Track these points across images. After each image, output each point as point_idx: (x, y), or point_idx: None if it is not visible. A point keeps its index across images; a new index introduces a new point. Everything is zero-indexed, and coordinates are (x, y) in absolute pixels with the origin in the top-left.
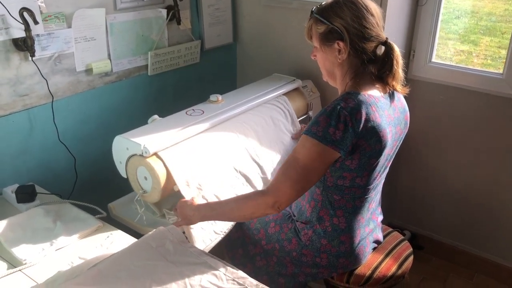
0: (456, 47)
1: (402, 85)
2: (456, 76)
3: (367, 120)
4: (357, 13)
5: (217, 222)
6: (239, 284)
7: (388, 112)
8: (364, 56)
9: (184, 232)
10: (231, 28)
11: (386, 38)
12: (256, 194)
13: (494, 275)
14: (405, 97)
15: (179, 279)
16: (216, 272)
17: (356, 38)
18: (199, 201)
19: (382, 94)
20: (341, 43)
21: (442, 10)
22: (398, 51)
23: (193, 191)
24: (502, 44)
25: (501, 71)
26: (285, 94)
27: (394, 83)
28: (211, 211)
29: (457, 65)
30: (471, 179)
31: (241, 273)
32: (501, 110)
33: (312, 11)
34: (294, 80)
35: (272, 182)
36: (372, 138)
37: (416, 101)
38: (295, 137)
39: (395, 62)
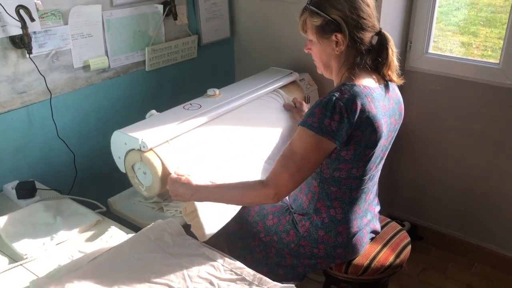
0: (456, 38)
1: (397, 75)
2: (453, 66)
3: (362, 111)
4: (353, 4)
5: (220, 213)
6: (237, 274)
7: (383, 102)
8: (362, 47)
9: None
10: (228, 23)
11: (380, 28)
12: (257, 184)
13: (493, 264)
14: (402, 88)
15: (177, 271)
16: (214, 263)
17: (354, 29)
18: (196, 180)
19: (377, 84)
20: (339, 35)
21: (438, 1)
22: (392, 41)
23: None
24: (502, 35)
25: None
26: (283, 87)
27: (389, 73)
28: (211, 194)
29: (454, 55)
30: (469, 169)
31: (238, 264)
32: (498, 99)
33: (307, 4)
34: (291, 73)
35: (271, 174)
36: (368, 128)
37: (413, 92)
38: (287, 107)
39: (390, 51)
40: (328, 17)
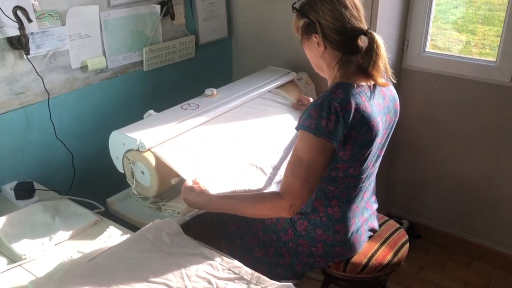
0: (454, 36)
1: (386, 77)
2: (450, 65)
3: (357, 110)
4: (329, 6)
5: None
6: (235, 273)
7: (378, 101)
8: (341, 48)
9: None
10: (225, 23)
11: (368, 28)
12: (273, 196)
13: (492, 262)
14: (400, 86)
15: (175, 270)
16: (212, 262)
17: (328, 31)
18: (209, 188)
19: (371, 83)
20: (317, 36)
21: (435, 0)
22: (380, 42)
23: (194, 174)
24: (500, 33)
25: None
26: (280, 86)
27: (374, 73)
28: (225, 204)
29: (451, 54)
30: (467, 167)
31: (236, 263)
32: (495, 97)
33: (292, 6)
34: (288, 72)
35: (282, 184)
36: (363, 128)
37: (411, 91)
38: (295, 107)
39: (374, 52)
40: (307, 18)
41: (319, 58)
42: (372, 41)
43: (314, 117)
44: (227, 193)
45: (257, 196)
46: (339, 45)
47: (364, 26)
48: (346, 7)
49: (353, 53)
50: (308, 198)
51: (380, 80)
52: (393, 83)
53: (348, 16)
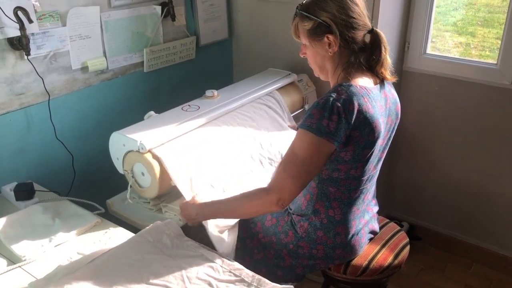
0: (454, 39)
1: (391, 72)
2: (450, 67)
3: (360, 111)
4: (341, 4)
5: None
6: (236, 275)
7: (380, 102)
8: (355, 46)
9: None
10: (226, 24)
11: (372, 26)
12: (260, 192)
13: (491, 264)
14: (400, 88)
15: (176, 272)
16: (212, 264)
17: (344, 29)
18: (201, 199)
19: (373, 84)
20: (330, 36)
21: (436, 2)
22: (385, 39)
23: (191, 188)
24: (500, 35)
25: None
26: (281, 88)
27: (382, 70)
28: (216, 210)
29: (452, 56)
30: (468, 169)
31: (237, 265)
32: (495, 99)
33: (297, 9)
34: (289, 74)
35: (273, 179)
36: (365, 128)
37: (411, 93)
38: (292, 127)
39: (383, 49)
40: (318, 19)
41: (327, 60)
42: (379, 37)
43: (316, 116)
44: (215, 200)
45: (245, 195)
46: (354, 42)
47: (369, 24)
48: (356, 4)
49: (362, 50)
50: (297, 194)
51: (388, 75)
52: (393, 83)
53: (359, 13)
